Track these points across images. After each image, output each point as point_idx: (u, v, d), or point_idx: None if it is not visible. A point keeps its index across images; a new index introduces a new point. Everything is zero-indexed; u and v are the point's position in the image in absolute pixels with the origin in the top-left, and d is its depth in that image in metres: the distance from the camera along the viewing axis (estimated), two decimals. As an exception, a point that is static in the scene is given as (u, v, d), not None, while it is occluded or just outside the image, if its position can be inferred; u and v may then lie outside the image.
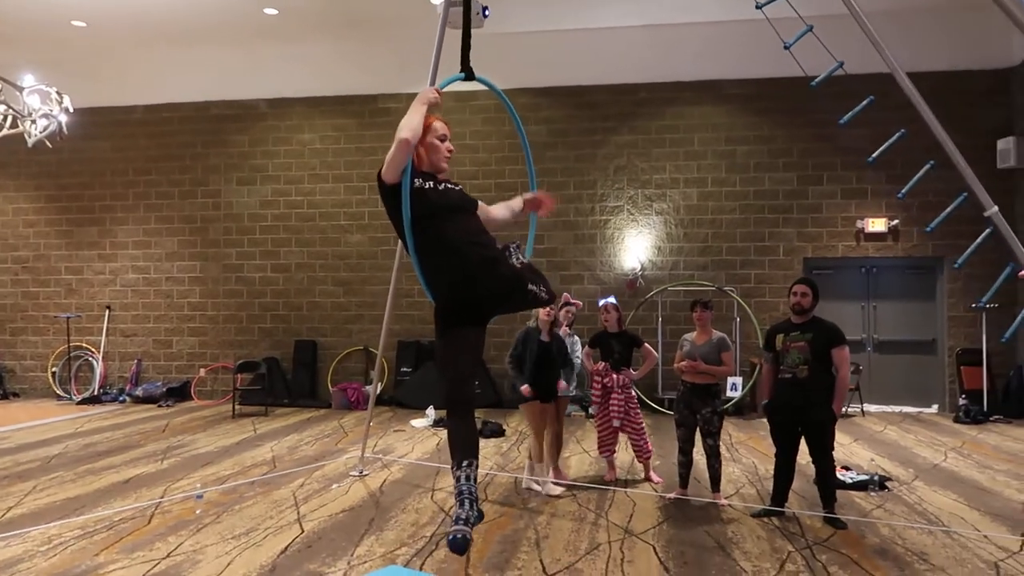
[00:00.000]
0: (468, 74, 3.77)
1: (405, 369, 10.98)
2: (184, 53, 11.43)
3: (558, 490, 5.89)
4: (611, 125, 11.32)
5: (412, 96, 11.07)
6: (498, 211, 3.65)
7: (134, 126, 12.29)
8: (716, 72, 11.01)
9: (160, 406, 10.94)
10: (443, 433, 8.68)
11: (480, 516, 3.02)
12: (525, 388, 5.96)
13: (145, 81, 11.96)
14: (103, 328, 12.05)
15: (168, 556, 4.45)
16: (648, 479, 6.29)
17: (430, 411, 9.41)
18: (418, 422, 9.27)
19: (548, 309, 5.89)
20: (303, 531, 4.93)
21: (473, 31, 4.04)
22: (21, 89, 8.85)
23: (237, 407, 10.44)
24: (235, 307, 11.91)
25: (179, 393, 11.39)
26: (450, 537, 2.90)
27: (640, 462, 6.41)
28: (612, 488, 6.06)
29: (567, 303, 6.54)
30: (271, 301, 11.84)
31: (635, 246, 11.17)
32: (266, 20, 10.33)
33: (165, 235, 12.18)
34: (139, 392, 11.35)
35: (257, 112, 12.07)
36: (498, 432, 8.50)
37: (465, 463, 3.05)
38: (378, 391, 8.23)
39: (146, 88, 12.06)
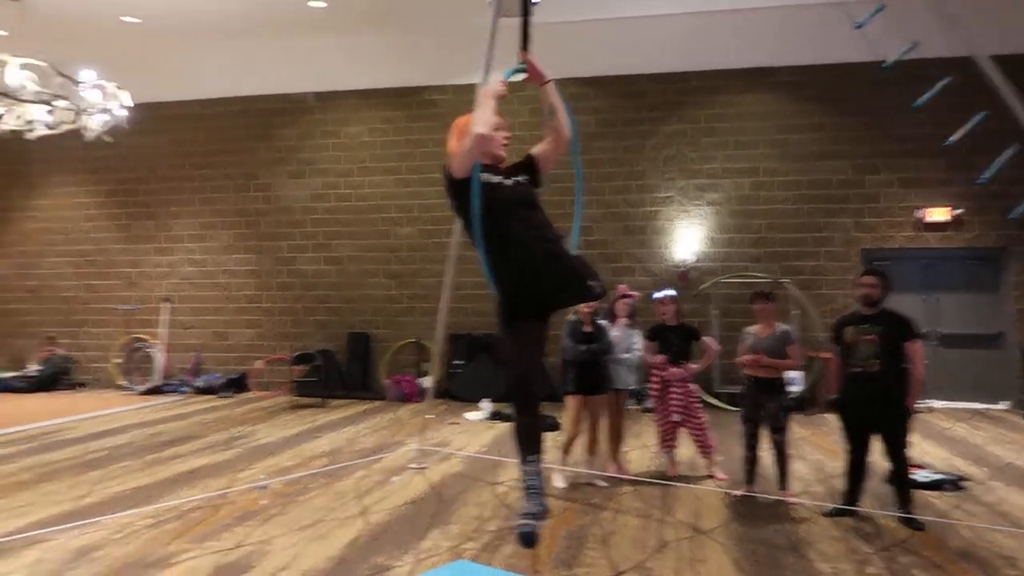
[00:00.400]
0: None
1: (457, 362, 10.99)
2: (235, 48, 11.58)
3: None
4: (659, 115, 11.16)
5: (460, 88, 11.04)
6: (547, 143, 3.55)
7: (188, 121, 12.50)
8: (765, 59, 10.76)
9: (220, 397, 11.15)
10: (500, 426, 8.68)
11: (546, 510, 3.04)
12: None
13: (198, 76, 12.14)
14: (163, 320, 12.30)
15: (238, 547, 4.51)
16: (712, 476, 6.18)
17: (485, 404, 9.41)
18: (472, 415, 9.28)
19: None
20: (368, 524, 4.95)
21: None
22: (79, 84, 9.05)
23: (294, 398, 10.57)
24: (289, 299, 12.06)
25: (237, 384, 11.58)
26: (518, 531, 2.93)
27: (703, 458, 6.31)
28: (675, 484, 5.97)
29: (624, 295, 6.47)
30: (324, 294, 11.96)
31: (686, 237, 11.01)
32: (314, 13, 10.39)
33: (220, 228, 12.38)
34: (200, 383, 11.58)
35: (306, 105, 12.17)
36: (553, 426, 8.44)
37: (531, 457, 3.08)
38: (434, 384, 8.25)
39: (199, 83, 12.24)
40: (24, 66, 8.51)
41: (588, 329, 6.06)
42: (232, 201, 12.36)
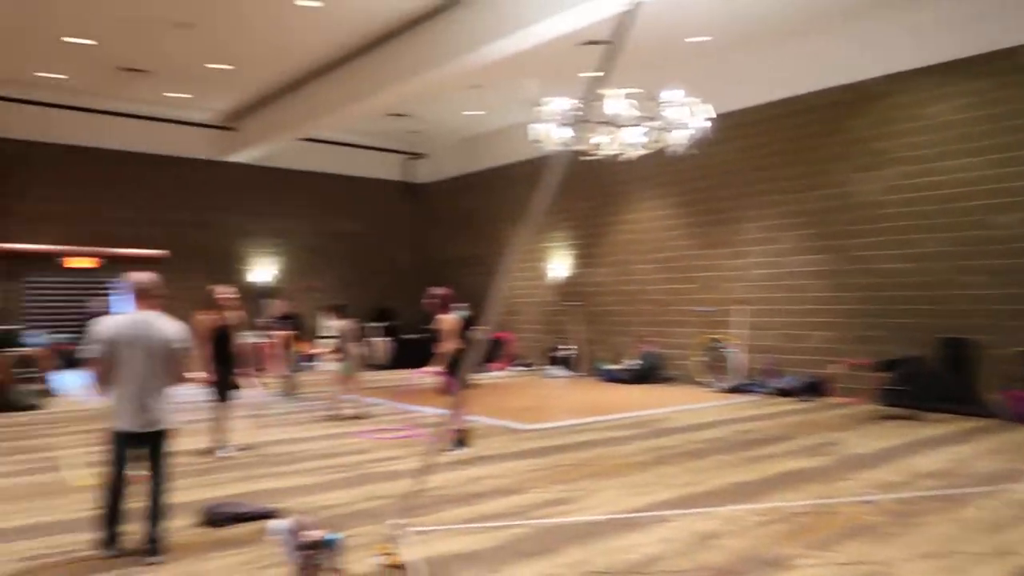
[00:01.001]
0: None
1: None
2: (794, 46, 11.50)
3: None
4: None
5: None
6: None
7: (753, 126, 12.68)
8: None
9: (799, 400, 10.98)
10: None
11: None
12: None
13: (761, 81, 12.35)
14: (738, 321, 12.73)
15: (856, 563, 4.24)
16: None
17: None
18: None
19: None
20: (1010, 567, 4.16)
21: None
22: (662, 104, 9.92)
23: (879, 407, 9.78)
24: (862, 300, 11.25)
25: (815, 388, 11.23)
26: None
27: None
28: None
29: None
30: (904, 294, 10.81)
31: None
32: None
33: (786, 230, 12.26)
34: (780, 384, 11.58)
35: (873, 92, 11.19)
36: None
37: None
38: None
39: (762, 87, 12.42)
40: (626, 95, 9.71)
41: None
42: (798, 201, 12.12)
